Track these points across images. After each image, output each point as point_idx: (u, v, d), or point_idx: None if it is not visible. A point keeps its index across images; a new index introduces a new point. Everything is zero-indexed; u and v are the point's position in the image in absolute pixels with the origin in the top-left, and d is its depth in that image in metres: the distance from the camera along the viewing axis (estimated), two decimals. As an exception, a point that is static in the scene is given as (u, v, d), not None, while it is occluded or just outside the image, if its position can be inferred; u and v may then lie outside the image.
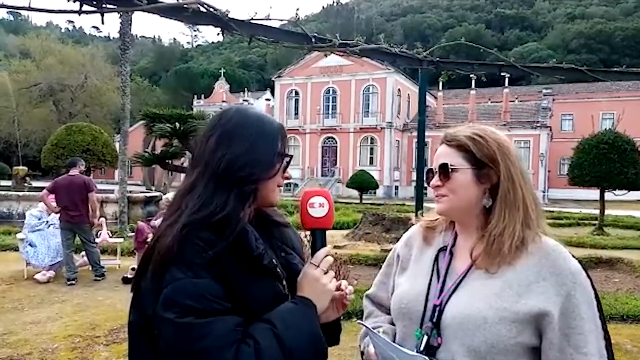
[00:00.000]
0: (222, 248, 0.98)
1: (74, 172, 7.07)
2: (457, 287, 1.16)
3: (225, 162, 1.04)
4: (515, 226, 1.14)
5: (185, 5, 3.52)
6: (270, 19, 3.97)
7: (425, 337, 1.15)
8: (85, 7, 3.29)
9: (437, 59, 5.61)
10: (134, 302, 1.07)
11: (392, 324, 1.31)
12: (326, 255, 1.11)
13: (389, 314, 1.34)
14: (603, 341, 1.08)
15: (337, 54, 5.43)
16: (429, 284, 1.21)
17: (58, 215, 7.01)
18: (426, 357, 1.06)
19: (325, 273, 1.09)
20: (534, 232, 1.15)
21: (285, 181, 1.17)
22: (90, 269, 7.19)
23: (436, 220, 1.33)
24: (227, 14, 3.75)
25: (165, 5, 3.55)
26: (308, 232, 1.16)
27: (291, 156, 1.15)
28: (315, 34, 4.47)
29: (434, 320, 1.15)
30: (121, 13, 8.45)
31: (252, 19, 3.89)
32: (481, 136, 1.20)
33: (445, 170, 1.21)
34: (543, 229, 1.18)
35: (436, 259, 1.25)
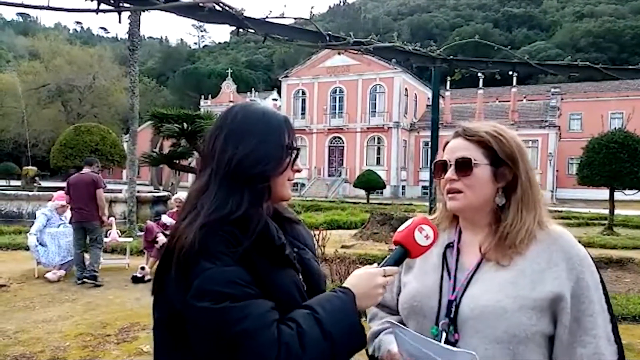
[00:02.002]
0: (248, 245, 1.00)
1: (85, 170, 7.11)
2: (470, 281, 1.16)
3: (236, 161, 1.05)
4: (529, 225, 1.15)
5: (201, 4, 3.53)
6: (284, 18, 3.97)
7: (444, 334, 1.13)
8: (103, 6, 3.31)
9: (451, 57, 5.59)
10: (156, 300, 1.09)
11: (400, 323, 1.27)
12: (393, 274, 1.13)
13: (392, 314, 1.32)
14: (610, 324, 1.10)
15: (351, 52, 5.42)
16: (441, 280, 1.20)
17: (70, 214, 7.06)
18: (474, 352, 1.01)
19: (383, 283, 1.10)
20: (542, 223, 1.18)
21: (296, 175, 1.18)
22: (86, 266, 6.92)
23: (435, 218, 1.31)
24: (243, 13, 3.76)
25: (182, 4, 3.57)
26: (317, 232, 1.16)
27: (299, 149, 1.16)
28: (330, 33, 4.46)
29: (451, 315, 1.14)
30: (130, 13, 8.49)
31: (266, 17, 3.90)
32: (502, 134, 1.20)
33: (465, 165, 1.18)
34: (549, 221, 1.20)
35: (444, 256, 1.24)
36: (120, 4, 3.36)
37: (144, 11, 3.72)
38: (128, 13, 7.89)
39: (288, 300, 1.03)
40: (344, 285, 1.08)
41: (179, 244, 0.99)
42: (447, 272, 1.21)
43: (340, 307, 1.02)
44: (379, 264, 1.14)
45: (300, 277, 1.12)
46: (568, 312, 1.08)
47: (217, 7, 3.65)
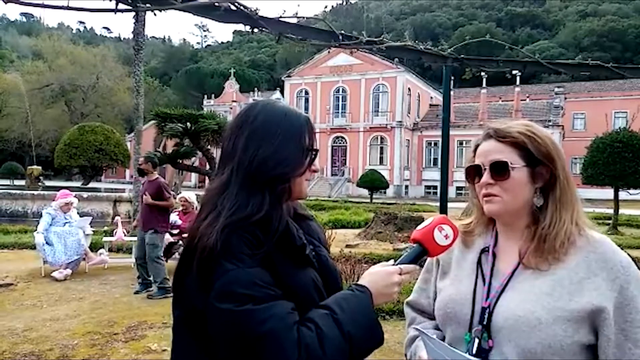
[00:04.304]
0: (270, 246, 1.02)
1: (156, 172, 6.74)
2: (505, 288, 1.13)
3: (257, 162, 1.05)
4: (567, 225, 1.12)
5: (217, 4, 3.56)
6: (298, 17, 3.99)
7: (477, 341, 1.11)
8: (121, 6, 3.33)
9: (462, 55, 5.60)
10: (177, 299, 1.10)
11: (437, 329, 1.27)
12: (410, 272, 1.12)
13: (431, 319, 1.31)
14: None
15: (363, 52, 5.44)
16: (475, 287, 1.18)
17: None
18: None
19: (399, 281, 1.10)
20: (580, 227, 1.14)
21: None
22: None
23: (471, 223, 1.29)
24: (257, 12, 3.78)
25: (198, 4, 3.60)
26: (329, 230, 1.16)
27: (317, 150, 1.17)
28: (342, 32, 4.48)
29: (484, 323, 1.12)
30: (135, 13, 8.51)
31: (280, 17, 3.92)
32: (535, 133, 1.16)
33: (501, 169, 1.14)
34: (587, 223, 1.17)
35: (479, 262, 1.21)
36: (138, 4, 3.38)
37: (161, 11, 3.72)
38: (133, 13, 7.91)
39: (307, 299, 1.04)
40: (360, 282, 1.09)
41: (201, 245, 0.99)
42: (481, 279, 1.19)
43: (358, 306, 1.03)
44: (395, 261, 1.13)
45: (317, 274, 1.12)
46: (611, 324, 1.03)
47: (232, 7, 3.67)
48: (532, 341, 1.05)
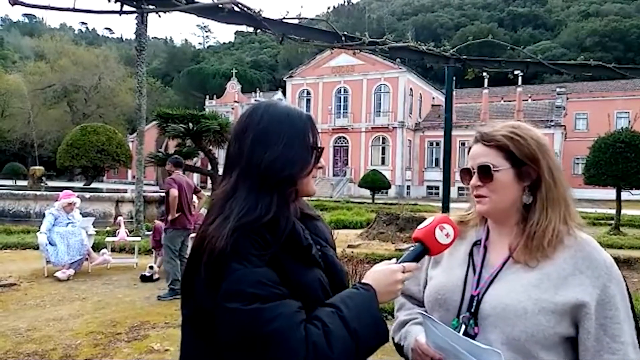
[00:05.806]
0: (277, 247, 1.03)
1: (180, 171, 6.63)
2: (494, 279, 1.18)
3: (264, 166, 1.06)
4: (555, 222, 1.17)
5: (220, 5, 3.57)
6: (300, 18, 4.00)
7: (463, 327, 1.17)
8: (126, 8, 3.35)
9: (464, 56, 5.61)
10: (185, 299, 1.11)
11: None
12: (412, 270, 1.15)
13: (418, 305, 1.37)
14: (635, 331, 1.12)
15: (366, 52, 5.46)
16: (466, 276, 1.23)
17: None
18: (499, 351, 1.02)
19: (402, 279, 1.12)
20: (569, 226, 1.18)
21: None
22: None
23: (468, 214, 1.34)
24: (261, 14, 3.81)
25: (202, 5, 3.62)
26: (336, 230, 1.17)
27: (322, 147, 1.18)
28: (345, 33, 4.49)
29: (472, 310, 1.17)
30: (137, 14, 8.53)
31: (283, 18, 3.94)
32: (519, 135, 1.21)
33: (486, 172, 1.21)
34: (577, 222, 1.21)
35: (471, 253, 1.27)
36: (143, 6, 3.40)
37: (165, 12, 3.74)
38: (135, 14, 7.93)
39: (313, 299, 1.05)
40: (364, 281, 1.10)
41: (210, 246, 1.00)
42: (472, 269, 1.24)
43: (363, 304, 1.04)
44: (398, 260, 1.15)
45: (323, 274, 1.13)
46: (592, 319, 1.08)
47: (236, 8, 3.69)
48: (516, 329, 1.10)
